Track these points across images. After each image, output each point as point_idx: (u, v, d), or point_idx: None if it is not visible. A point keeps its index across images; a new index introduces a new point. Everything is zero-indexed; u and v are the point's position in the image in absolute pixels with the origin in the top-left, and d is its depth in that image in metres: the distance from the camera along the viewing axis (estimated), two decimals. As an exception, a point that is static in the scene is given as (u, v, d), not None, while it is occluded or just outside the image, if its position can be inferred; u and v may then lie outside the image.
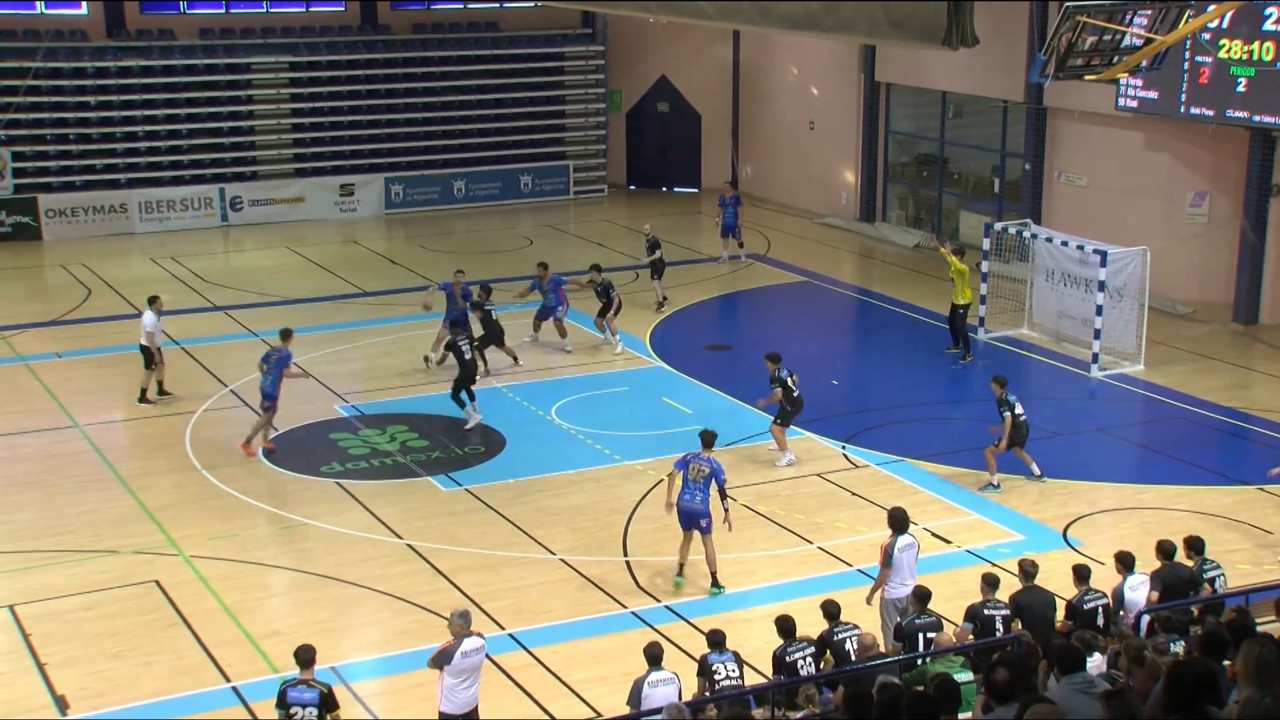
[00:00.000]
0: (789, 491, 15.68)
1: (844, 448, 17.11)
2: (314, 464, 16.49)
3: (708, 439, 13.39)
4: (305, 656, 9.55)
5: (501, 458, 16.78)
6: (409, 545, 14.24)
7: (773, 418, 16.45)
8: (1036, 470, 15.69)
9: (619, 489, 15.70)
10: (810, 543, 14.32)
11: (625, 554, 13.99)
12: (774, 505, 15.25)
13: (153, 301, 18.47)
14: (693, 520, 13.12)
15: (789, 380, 16.21)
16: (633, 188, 34.75)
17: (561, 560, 13.82)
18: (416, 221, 30.83)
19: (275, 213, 30.30)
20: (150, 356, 18.20)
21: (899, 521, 11.62)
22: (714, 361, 20.57)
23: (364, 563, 13.82)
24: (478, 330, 19.19)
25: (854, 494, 15.56)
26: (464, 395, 17.37)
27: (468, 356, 17.31)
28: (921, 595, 10.65)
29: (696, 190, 34.22)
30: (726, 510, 13.12)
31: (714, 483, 13.06)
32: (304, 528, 14.68)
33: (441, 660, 9.96)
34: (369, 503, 15.34)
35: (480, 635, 10.18)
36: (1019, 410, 15.45)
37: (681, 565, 13.28)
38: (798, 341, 21.65)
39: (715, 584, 13.16)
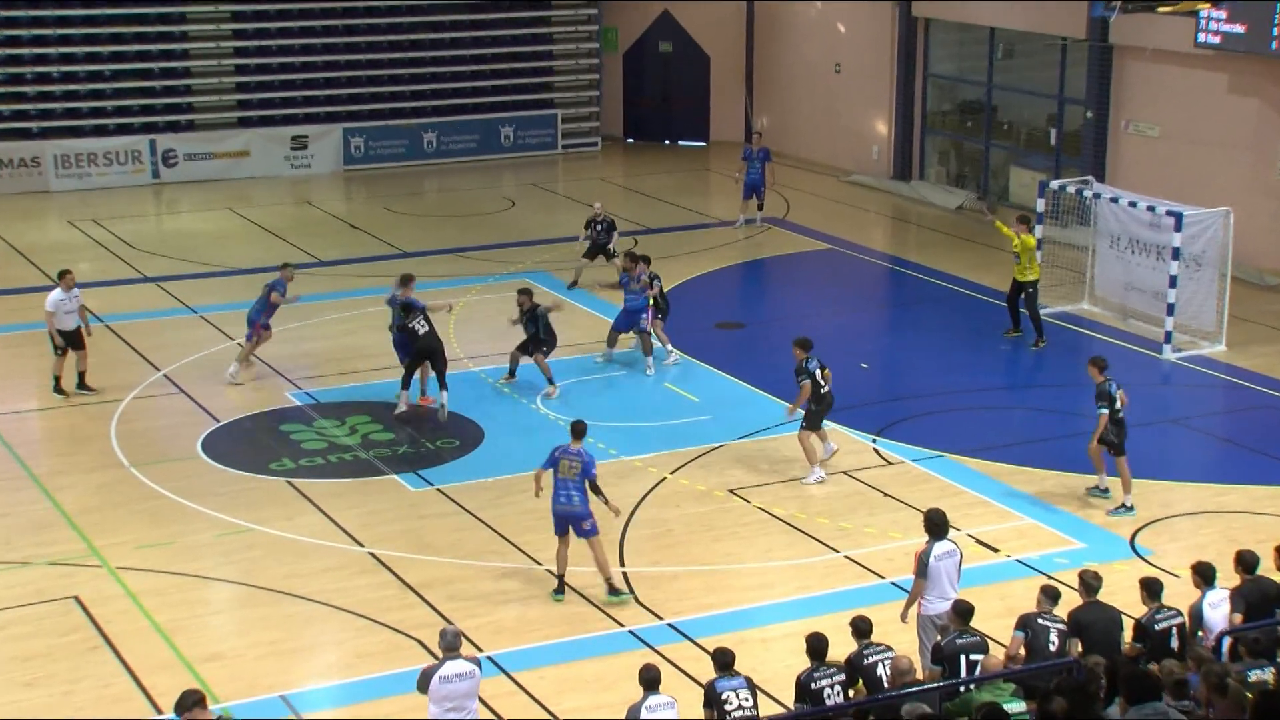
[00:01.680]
0: (810, 492, 15.66)
1: (875, 441, 17.08)
2: (261, 460, 16.46)
3: (578, 430, 13.47)
4: (193, 699, 9.17)
5: (479, 453, 16.74)
6: (372, 554, 14.22)
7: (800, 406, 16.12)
8: (1103, 484, 15.39)
9: (615, 489, 15.59)
10: (836, 551, 14.31)
11: (622, 563, 13.98)
12: (793, 508, 15.24)
13: (62, 276, 18.10)
14: (570, 523, 13.22)
15: (819, 374, 15.75)
16: (631, 141, 34.65)
17: (549, 571, 13.81)
18: (380, 180, 30.75)
19: (215, 169, 30.22)
20: (70, 339, 17.99)
21: (937, 525, 11.59)
22: (725, 341, 20.51)
23: (320, 574, 13.80)
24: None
25: (886, 495, 15.55)
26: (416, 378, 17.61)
27: (421, 332, 17.42)
28: (962, 610, 10.61)
29: (704, 144, 34.15)
30: (606, 501, 13.20)
31: (587, 480, 13.18)
32: (250, 534, 14.66)
33: (420, 683, 10.05)
34: (325, 505, 15.31)
35: (470, 660, 10.19)
36: (1120, 404, 14.99)
37: (561, 578, 13.31)
38: (821, 319, 21.57)
39: (612, 590, 13.24)
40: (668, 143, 34.48)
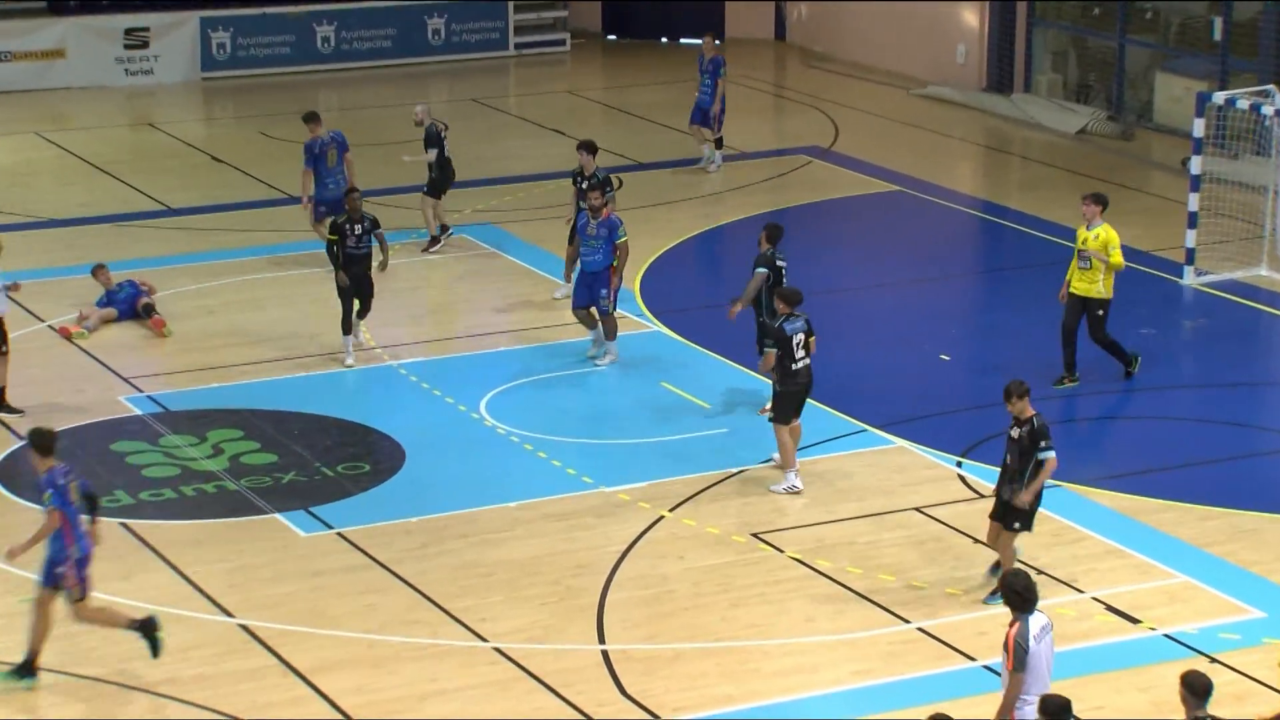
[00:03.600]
0: (869, 536, 15.67)
1: (959, 465, 17.08)
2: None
3: (45, 444, 13.31)
4: None
5: (398, 482, 16.74)
6: (243, 626, 14.20)
7: (766, 374, 16.80)
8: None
9: (592, 533, 15.69)
10: (905, 621, 14.32)
11: (601, 639, 13.98)
12: (845, 558, 15.24)
13: None
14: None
15: (802, 338, 16.32)
16: (613, 38, 34.61)
17: (496, 649, 13.81)
18: (253, 92, 30.62)
19: (15, 75, 30.12)
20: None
21: (1025, 596, 11.49)
22: (745, 324, 20.47)
23: (171, 656, 13.75)
24: None
25: (977, 541, 15.53)
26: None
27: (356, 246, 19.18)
28: (1054, 709, 10.56)
29: (719, 42, 34.00)
30: (94, 521, 13.49)
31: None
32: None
33: None
34: (177, 556, 15.28)
35: None
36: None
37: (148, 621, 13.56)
38: (881, 290, 21.60)
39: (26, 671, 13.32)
40: (665, 41, 34.44)
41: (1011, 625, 11.38)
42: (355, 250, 19.08)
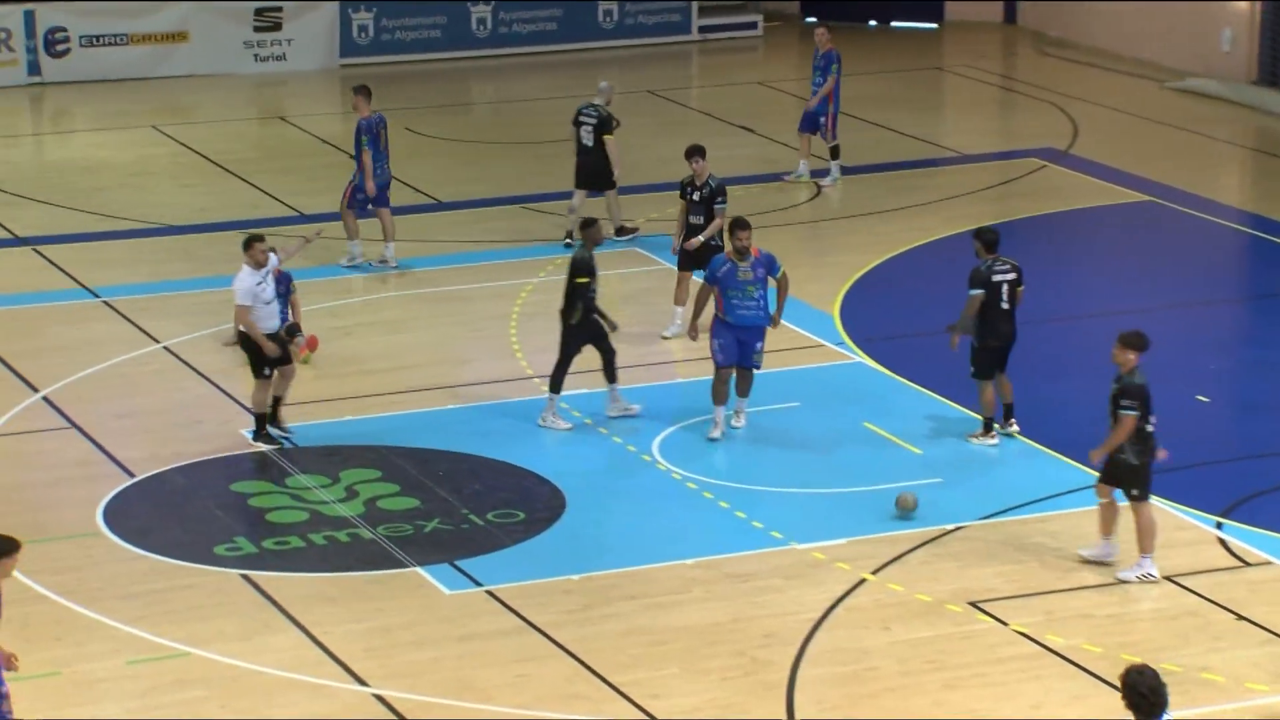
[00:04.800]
0: (1109, 608, 15.52)
1: (1220, 527, 16.84)
2: (202, 540, 16.64)
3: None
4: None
5: (558, 533, 16.83)
6: (378, 697, 14.34)
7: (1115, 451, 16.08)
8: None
9: (781, 596, 15.67)
10: (1155, 710, 14.15)
11: (791, 719, 13.99)
12: (1080, 634, 15.10)
13: (250, 245, 18.08)
14: None
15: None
16: (812, 21, 34.56)
17: (669, 732, 13.85)
18: (398, 82, 30.90)
19: (131, 61, 30.68)
20: (279, 349, 17.90)
21: (1148, 695, 11.11)
22: (968, 356, 20.38)
23: (293, 728, 13.96)
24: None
25: (1241, 618, 15.33)
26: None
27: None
28: None
29: (934, 26, 34.01)
30: None
31: None
32: (183, 661, 14.81)
33: None
34: (305, 615, 15.44)
35: None
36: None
37: None
38: (1128, 317, 21.26)
39: None
40: (874, 24, 34.38)
41: None
42: (596, 292, 18.57)
